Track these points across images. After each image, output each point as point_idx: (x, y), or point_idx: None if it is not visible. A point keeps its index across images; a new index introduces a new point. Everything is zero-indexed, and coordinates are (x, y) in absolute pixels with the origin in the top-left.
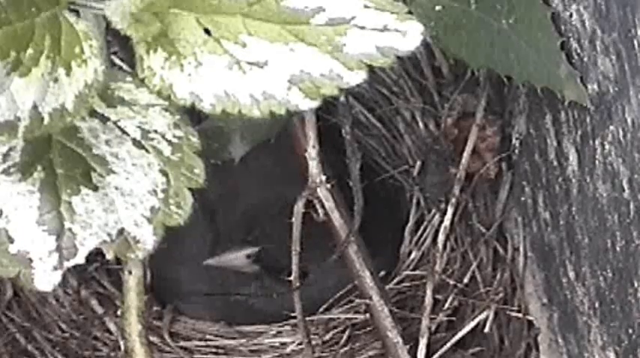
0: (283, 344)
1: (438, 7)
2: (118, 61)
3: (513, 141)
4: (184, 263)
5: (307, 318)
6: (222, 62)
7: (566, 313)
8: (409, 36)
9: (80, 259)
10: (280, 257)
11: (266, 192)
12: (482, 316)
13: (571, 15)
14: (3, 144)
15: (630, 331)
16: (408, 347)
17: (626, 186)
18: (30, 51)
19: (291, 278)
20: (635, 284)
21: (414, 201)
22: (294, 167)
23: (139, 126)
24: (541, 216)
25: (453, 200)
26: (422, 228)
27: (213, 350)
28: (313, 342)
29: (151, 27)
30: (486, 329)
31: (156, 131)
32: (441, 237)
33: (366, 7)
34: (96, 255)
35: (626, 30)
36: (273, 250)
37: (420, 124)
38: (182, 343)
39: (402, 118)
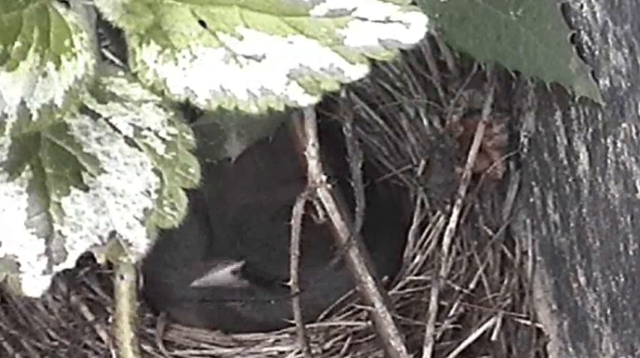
0: (282, 352)
1: None
2: (109, 55)
3: (521, 139)
4: (176, 267)
5: (307, 326)
6: (218, 55)
7: (577, 320)
8: (413, 28)
9: (70, 263)
10: (268, 268)
11: (258, 194)
12: (490, 323)
13: (582, 6)
14: None
15: None
16: (411, 355)
17: (639, 187)
18: (17, 44)
19: (285, 285)
20: None
21: (418, 202)
22: (289, 168)
23: (131, 123)
24: (550, 218)
25: (459, 201)
26: (426, 230)
27: None
28: (313, 351)
29: (143, 18)
30: (493, 337)
31: (149, 128)
32: (446, 240)
33: None
34: (86, 259)
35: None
36: (260, 261)
37: (425, 121)
38: (176, 352)
39: (405, 115)
